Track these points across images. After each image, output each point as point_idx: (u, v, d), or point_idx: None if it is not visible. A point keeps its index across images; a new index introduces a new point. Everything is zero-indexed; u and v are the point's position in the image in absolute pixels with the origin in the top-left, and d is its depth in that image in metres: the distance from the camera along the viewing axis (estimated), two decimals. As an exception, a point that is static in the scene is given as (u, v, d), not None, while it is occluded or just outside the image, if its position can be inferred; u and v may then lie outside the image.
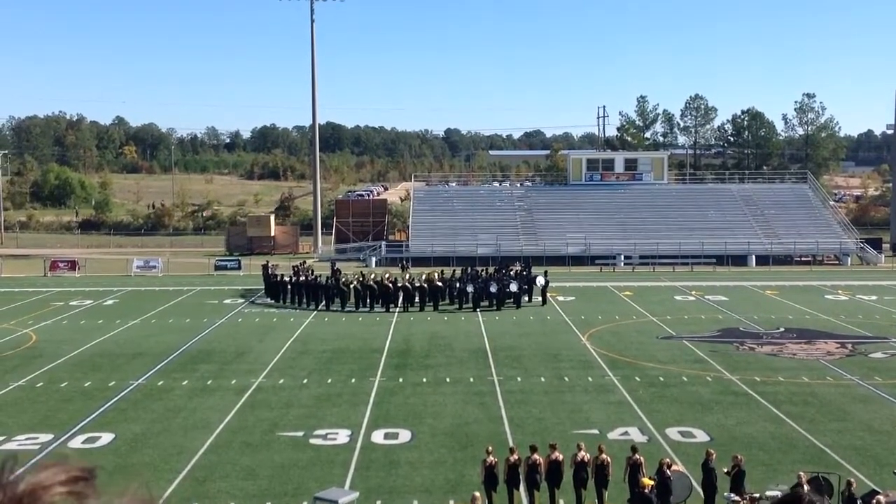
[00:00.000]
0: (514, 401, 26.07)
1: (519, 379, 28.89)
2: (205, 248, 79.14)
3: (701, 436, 22.51)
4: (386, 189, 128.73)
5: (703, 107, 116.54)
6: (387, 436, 22.65)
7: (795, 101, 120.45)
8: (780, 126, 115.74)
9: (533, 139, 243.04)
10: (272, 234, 77.37)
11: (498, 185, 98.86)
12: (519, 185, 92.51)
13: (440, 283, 45.62)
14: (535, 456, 18.10)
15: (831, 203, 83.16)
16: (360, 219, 77.53)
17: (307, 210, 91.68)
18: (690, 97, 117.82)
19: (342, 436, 22.66)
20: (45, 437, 22.57)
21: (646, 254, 66.55)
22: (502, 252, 65.82)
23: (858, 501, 16.40)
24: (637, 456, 18.13)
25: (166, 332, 38.42)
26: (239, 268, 63.01)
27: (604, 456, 18.05)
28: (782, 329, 38.32)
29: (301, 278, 47.06)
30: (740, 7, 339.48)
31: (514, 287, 45.20)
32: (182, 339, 36.53)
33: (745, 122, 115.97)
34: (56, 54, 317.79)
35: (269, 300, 47.61)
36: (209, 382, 28.72)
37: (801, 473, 17.07)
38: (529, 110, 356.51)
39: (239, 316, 43.05)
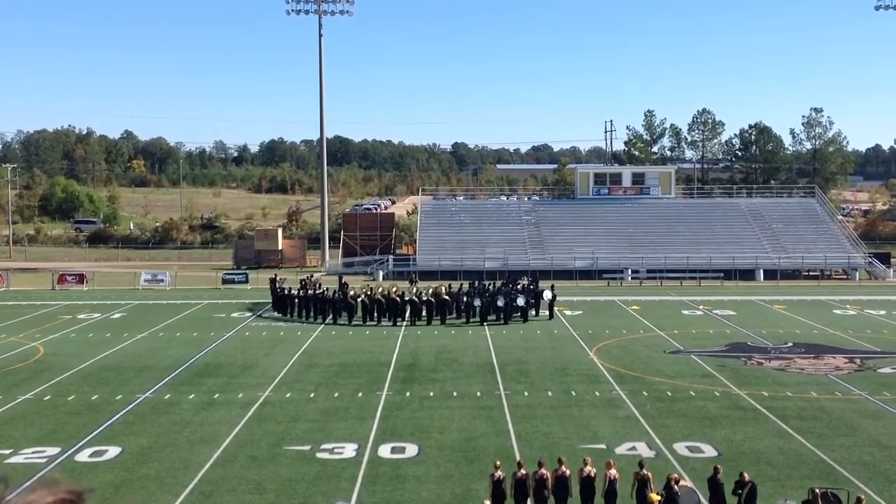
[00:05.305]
0: (522, 415, 26.01)
1: (526, 393, 28.82)
2: (212, 262, 79.32)
3: (709, 451, 22.40)
4: (393, 203, 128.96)
5: (710, 121, 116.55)
6: (394, 450, 22.59)
7: (803, 116, 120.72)
8: (787, 140, 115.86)
9: (540, 153, 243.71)
10: (280, 247, 77.52)
11: (505, 199, 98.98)
12: (526, 199, 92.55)
13: (447, 297, 45.57)
14: (543, 470, 18.05)
15: (839, 217, 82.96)
16: (368, 232, 77.67)
17: (315, 224, 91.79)
18: (698, 111, 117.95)
19: (349, 450, 22.61)
20: (52, 451, 22.57)
21: (653, 268, 66.50)
22: (510, 266, 65.83)
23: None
24: (644, 471, 18.05)
25: (174, 345, 38.46)
26: (246, 281, 63.10)
27: (613, 471, 17.98)
28: (790, 344, 38.17)
29: (308, 292, 47.11)
30: (747, 21, 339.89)
31: (521, 301, 45.14)
32: (189, 352, 36.56)
33: (753, 137, 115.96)
34: (65, 68, 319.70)
35: (276, 314, 47.62)
36: (216, 396, 28.72)
37: (817, 490, 16.95)
38: (537, 124, 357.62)
39: (246, 329, 43.07)
